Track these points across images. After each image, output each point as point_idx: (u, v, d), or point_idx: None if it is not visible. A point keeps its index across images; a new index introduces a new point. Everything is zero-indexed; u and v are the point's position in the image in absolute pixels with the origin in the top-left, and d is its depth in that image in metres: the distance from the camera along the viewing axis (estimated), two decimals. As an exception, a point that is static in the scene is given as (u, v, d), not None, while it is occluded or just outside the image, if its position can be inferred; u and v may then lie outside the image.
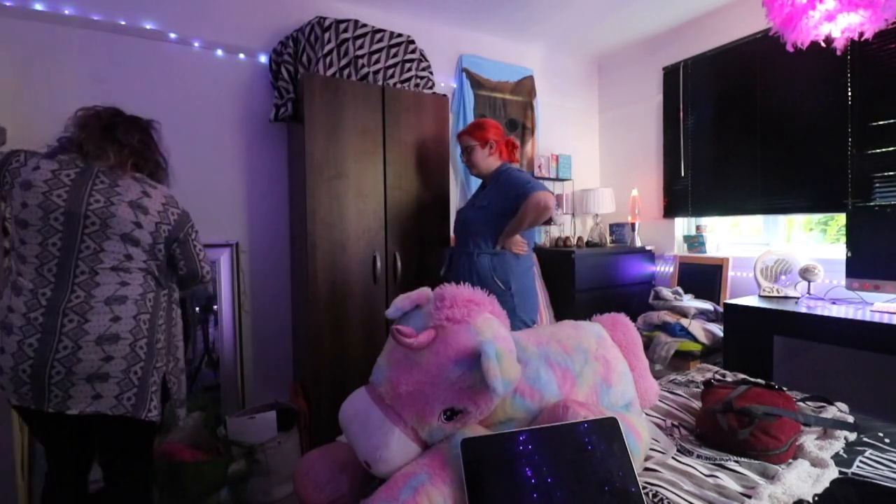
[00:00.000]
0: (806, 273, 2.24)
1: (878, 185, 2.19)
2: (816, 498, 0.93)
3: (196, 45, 2.24)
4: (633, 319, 1.42)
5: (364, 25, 2.34)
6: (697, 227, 3.05)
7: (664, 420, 1.34)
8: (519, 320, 1.89)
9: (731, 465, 1.07)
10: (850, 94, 2.26)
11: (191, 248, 1.39)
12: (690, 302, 2.62)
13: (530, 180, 1.87)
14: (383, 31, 2.40)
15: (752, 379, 1.41)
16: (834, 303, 2.11)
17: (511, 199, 1.87)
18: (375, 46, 2.36)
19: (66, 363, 1.15)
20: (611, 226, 3.25)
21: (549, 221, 3.05)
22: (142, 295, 1.26)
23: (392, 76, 2.41)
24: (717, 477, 1.00)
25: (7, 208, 1.22)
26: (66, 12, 1.98)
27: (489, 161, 2.03)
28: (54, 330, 1.15)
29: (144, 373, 1.24)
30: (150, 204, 1.29)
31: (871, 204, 2.20)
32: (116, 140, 1.29)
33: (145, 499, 1.36)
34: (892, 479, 1.01)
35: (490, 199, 1.96)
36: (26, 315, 1.15)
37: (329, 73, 2.21)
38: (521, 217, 1.84)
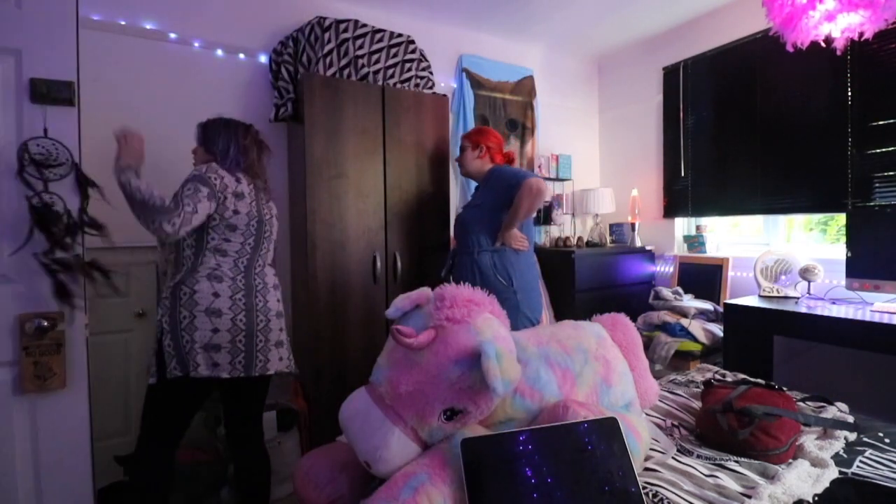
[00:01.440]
0: (806, 273, 2.24)
1: (878, 185, 2.19)
2: (816, 498, 0.93)
3: (196, 45, 2.24)
4: (633, 319, 1.42)
5: (364, 25, 2.34)
6: (697, 227, 3.05)
7: (664, 420, 1.34)
8: (523, 317, 1.90)
9: (731, 465, 1.07)
10: (850, 94, 2.26)
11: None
12: (690, 302, 2.62)
13: (520, 171, 1.93)
14: (383, 31, 2.40)
15: (752, 379, 1.41)
16: (834, 303, 2.11)
17: (504, 191, 1.90)
18: (375, 46, 2.36)
19: (264, 333, 1.46)
20: (611, 226, 3.25)
21: (549, 220, 3.06)
22: (277, 284, 1.60)
23: (392, 76, 2.41)
24: (717, 477, 1.00)
25: (215, 214, 1.44)
26: (66, 12, 1.97)
27: (477, 163, 2.09)
28: (252, 308, 1.45)
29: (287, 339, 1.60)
30: (274, 212, 1.64)
31: (871, 204, 2.20)
32: (262, 163, 1.61)
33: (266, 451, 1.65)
34: (892, 479, 1.01)
35: (484, 198, 1.99)
36: (232, 297, 1.41)
37: (329, 73, 2.21)
38: (517, 206, 1.85)
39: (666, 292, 2.71)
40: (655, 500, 0.92)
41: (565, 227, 3.32)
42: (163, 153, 2.15)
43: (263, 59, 2.39)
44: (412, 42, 2.50)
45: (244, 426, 1.55)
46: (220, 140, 1.56)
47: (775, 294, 2.32)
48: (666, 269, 3.15)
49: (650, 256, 3.10)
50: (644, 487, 0.93)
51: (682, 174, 3.04)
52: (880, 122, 2.17)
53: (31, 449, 1.22)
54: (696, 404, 1.44)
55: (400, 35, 2.45)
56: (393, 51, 2.41)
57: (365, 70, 2.31)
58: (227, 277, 1.43)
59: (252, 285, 1.48)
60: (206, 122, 1.60)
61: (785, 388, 1.36)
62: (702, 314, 2.56)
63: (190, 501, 1.71)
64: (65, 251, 1.18)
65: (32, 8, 1.18)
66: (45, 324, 1.18)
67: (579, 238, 3.12)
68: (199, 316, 1.36)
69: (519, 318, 1.87)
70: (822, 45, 1.63)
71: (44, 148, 1.17)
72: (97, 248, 1.29)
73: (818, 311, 1.96)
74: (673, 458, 1.10)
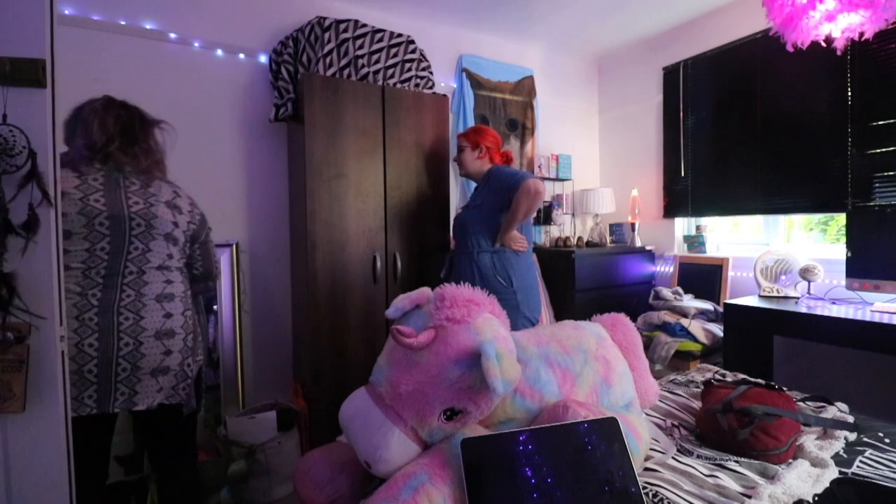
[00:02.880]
0: (806, 273, 2.24)
1: (878, 185, 2.19)
2: (816, 498, 0.93)
3: (196, 45, 2.24)
4: (633, 319, 1.42)
5: (364, 25, 2.34)
6: (697, 227, 3.05)
7: (664, 420, 1.34)
8: (523, 317, 1.90)
9: (731, 465, 1.07)
10: (850, 94, 2.26)
11: (209, 249, 1.44)
12: (690, 302, 2.62)
13: (518, 172, 1.92)
14: (383, 31, 2.40)
15: (752, 379, 1.41)
16: (834, 303, 2.11)
17: (503, 192, 1.90)
18: (375, 46, 2.36)
19: (131, 359, 1.18)
20: (611, 226, 3.25)
21: (549, 220, 3.06)
22: (184, 292, 1.31)
23: (392, 76, 2.41)
24: (717, 477, 1.00)
25: None
26: (67, 12, 1.98)
27: (476, 164, 2.09)
28: (111, 328, 1.16)
29: (193, 365, 1.31)
30: (182, 204, 1.34)
31: (871, 204, 2.20)
32: (139, 143, 1.29)
33: (197, 483, 1.44)
34: (892, 479, 1.01)
35: (483, 198, 2.00)
36: (79, 317, 1.15)
37: (329, 73, 2.21)
38: (516, 207, 1.85)
39: (666, 292, 2.71)
40: (655, 500, 0.92)
41: (565, 227, 3.32)
42: (163, 153, 2.15)
43: (263, 59, 2.39)
44: (412, 42, 2.50)
45: (163, 461, 1.37)
46: (66, 131, 1.28)
47: (775, 294, 2.32)
48: (666, 269, 3.15)
49: (650, 256, 3.10)
50: (644, 487, 0.93)
51: (682, 174, 3.04)
52: (880, 122, 2.17)
53: (3, 472, 1.07)
54: (696, 404, 1.44)
55: (400, 35, 2.45)
56: (393, 51, 2.41)
57: (365, 70, 2.31)
58: (72, 293, 1.15)
59: (112, 300, 1.18)
60: None
61: (785, 388, 1.36)
62: (702, 314, 2.56)
63: (190, 501, 1.71)
64: None
65: (-2, -21, 1.05)
66: (11, 336, 1.04)
67: (579, 238, 3.12)
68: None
69: (519, 319, 1.87)
70: (823, 45, 1.63)
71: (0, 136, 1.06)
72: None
73: (818, 311, 1.96)
74: (673, 458, 1.10)
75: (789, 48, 1.67)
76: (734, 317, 2.24)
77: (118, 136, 1.25)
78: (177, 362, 1.25)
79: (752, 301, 2.26)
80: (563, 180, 3.27)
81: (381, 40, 2.38)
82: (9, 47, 1.07)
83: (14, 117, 1.07)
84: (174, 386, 1.26)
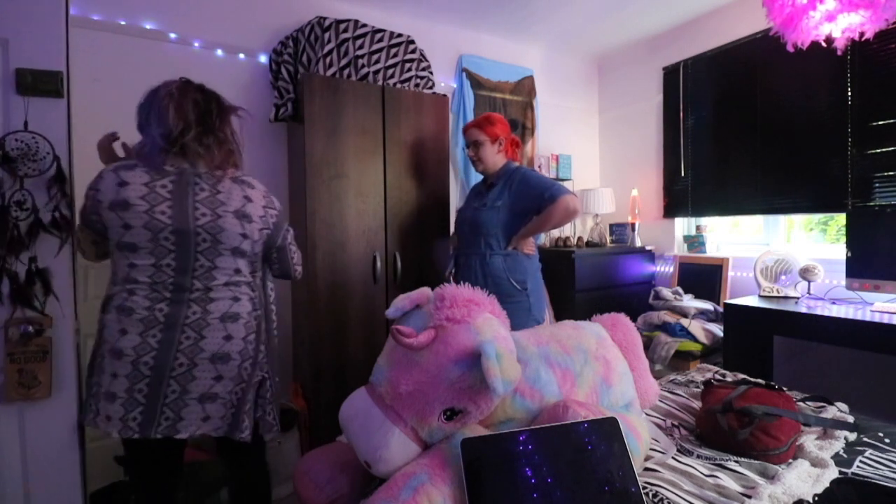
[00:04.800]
0: (806, 273, 2.24)
1: (878, 185, 2.19)
2: (816, 498, 0.93)
3: (196, 45, 2.24)
4: (633, 319, 1.42)
5: (364, 25, 2.34)
6: (697, 227, 3.05)
7: (664, 420, 1.34)
8: (533, 320, 1.88)
9: (731, 465, 1.07)
10: (850, 94, 2.26)
11: (287, 254, 1.34)
12: (690, 302, 2.62)
13: (554, 182, 1.84)
14: (383, 31, 2.40)
15: (752, 379, 1.41)
16: (834, 303, 2.11)
17: (532, 199, 1.83)
18: (375, 46, 2.36)
19: (182, 381, 1.11)
20: (611, 226, 3.25)
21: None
22: (250, 312, 1.22)
23: (392, 76, 2.41)
24: (717, 477, 1.00)
25: (100, 239, 1.15)
26: (66, 12, 1.97)
27: (497, 158, 1.99)
28: (171, 346, 1.10)
29: (243, 393, 1.20)
30: (253, 210, 1.21)
31: (871, 204, 2.20)
32: (214, 132, 1.16)
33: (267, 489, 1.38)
34: (892, 479, 1.01)
35: (504, 199, 1.89)
36: (142, 334, 1.09)
37: (329, 73, 2.21)
38: (546, 219, 1.80)
39: (666, 292, 2.71)
40: (655, 500, 0.92)
41: (565, 227, 3.32)
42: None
43: (263, 59, 2.38)
44: (412, 42, 2.50)
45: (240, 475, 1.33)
46: (139, 116, 1.17)
47: (775, 294, 2.32)
48: (666, 269, 3.15)
49: (650, 256, 3.10)
50: (644, 487, 0.93)
51: (682, 174, 3.04)
52: (880, 122, 2.17)
53: (20, 458, 1.19)
54: (696, 404, 1.44)
55: (400, 35, 2.45)
56: (393, 51, 2.41)
57: (365, 70, 2.31)
58: (140, 309, 1.10)
59: (179, 317, 1.11)
60: None
61: (785, 388, 1.36)
62: (702, 314, 2.56)
63: (190, 501, 1.71)
64: (16, 255, 1.13)
65: (20, -4, 1.14)
66: (31, 329, 1.14)
67: (579, 238, 3.12)
68: (106, 357, 1.10)
69: (529, 322, 1.85)
70: (823, 45, 1.63)
71: (22, 142, 1.13)
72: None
73: (818, 311, 1.96)
74: (673, 458, 1.10)
75: (789, 48, 1.67)
76: (734, 317, 2.24)
77: (195, 125, 1.14)
78: (226, 390, 1.17)
79: (752, 301, 2.26)
80: (563, 180, 3.26)
81: (381, 40, 2.38)
82: (29, 60, 1.16)
83: (35, 125, 1.15)
84: (222, 416, 1.17)
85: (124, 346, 1.09)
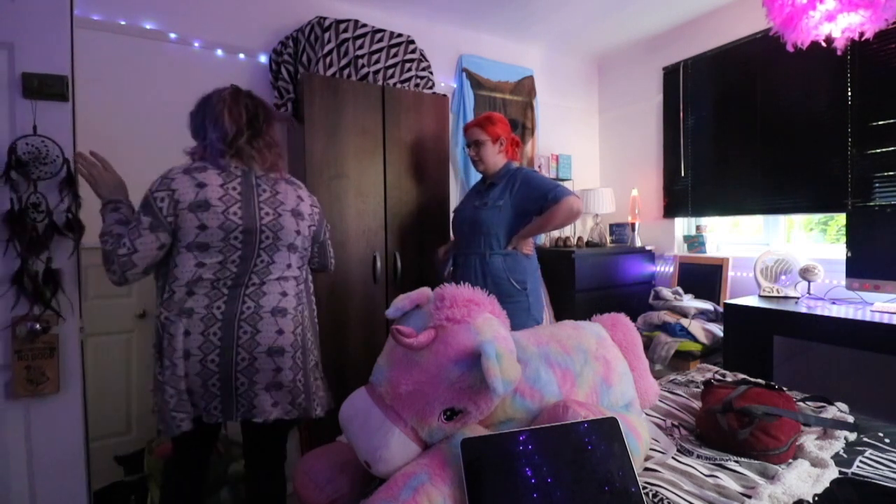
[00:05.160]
0: (806, 273, 2.24)
1: (878, 185, 2.19)
2: (816, 498, 0.93)
3: (196, 45, 2.24)
4: (633, 319, 1.42)
5: (364, 25, 2.34)
6: (697, 227, 3.05)
7: (664, 420, 1.34)
8: (533, 320, 1.89)
9: (731, 465, 1.07)
10: (850, 94, 2.26)
11: (326, 248, 1.46)
12: (690, 302, 2.62)
13: (557, 183, 1.85)
14: (383, 31, 2.40)
15: (752, 379, 1.41)
16: (834, 303, 2.11)
17: (535, 200, 1.84)
18: (375, 46, 2.36)
19: (248, 374, 1.18)
20: (611, 226, 3.25)
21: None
22: (296, 307, 1.28)
23: (392, 76, 2.41)
24: (717, 477, 1.00)
25: (172, 241, 1.16)
26: (66, 12, 1.98)
27: (497, 158, 1.99)
28: (231, 344, 1.16)
29: (306, 379, 1.29)
30: (304, 208, 1.30)
31: (871, 204, 2.20)
32: (262, 136, 1.23)
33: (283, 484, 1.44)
34: (892, 479, 1.01)
35: (506, 199, 1.89)
36: (204, 333, 1.15)
37: (329, 73, 2.21)
38: (548, 220, 1.80)
39: (666, 292, 2.71)
40: (655, 500, 0.92)
41: (565, 227, 3.32)
42: (163, 155, 2.15)
43: (263, 59, 2.39)
44: (412, 42, 2.50)
45: (262, 467, 1.38)
46: (193, 122, 1.25)
47: (775, 294, 2.32)
48: (666, 269, 3.15)
49: (650, 256, 3.10)
50: (644, 487, 0.93)
51: (682, 174, 3.04)
52: (880, 122, 2.17)
53: (26, 453, 1.21)
54: (696, 404, 1.44)
55: (400, 35, 2.45)
56: (393, 51, 2.41)
57: (365, 70, 2.31)
58: (199, 308, 1.15)
59: (234, 312, 1.16)
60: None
61: (785, 388, 1.36)
62: (702, 314, 2.56)
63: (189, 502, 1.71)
64: (36, 256, 1.17)
65: (25, 1, 1.17)
66: (38, 327, 1.17)
67: (579, 238, 3.12)
68: (178, 364, 1.14)
69: (529, 322, 1.86)
70: (823, 45, 1.63)
71: (33, 146, 1.15)
72: (95, 248, 1.26)
73: (818, 311, 1.96)
74: (673, 458, 1.10)
75: (789, 48, 1.67)
76: (734, 317, 2.24)
77: (246, 128, 1.21)
78: (288, 379, 1.23)
79: (752, 301, 2.26)
80: (563, 180, 3.26)
81: (381, 40, 2.38)
82: (34, 64, 1.18)
83: (42, 129, 1.18)
84: (291, 401, 1.24)
85: (191, 347, 1.14)
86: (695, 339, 2.43)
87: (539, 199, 1.83)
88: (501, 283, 1.87)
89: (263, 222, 1.20)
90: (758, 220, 2.85)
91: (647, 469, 1.05)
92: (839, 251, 2.27)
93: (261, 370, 1.18)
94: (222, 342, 1.15)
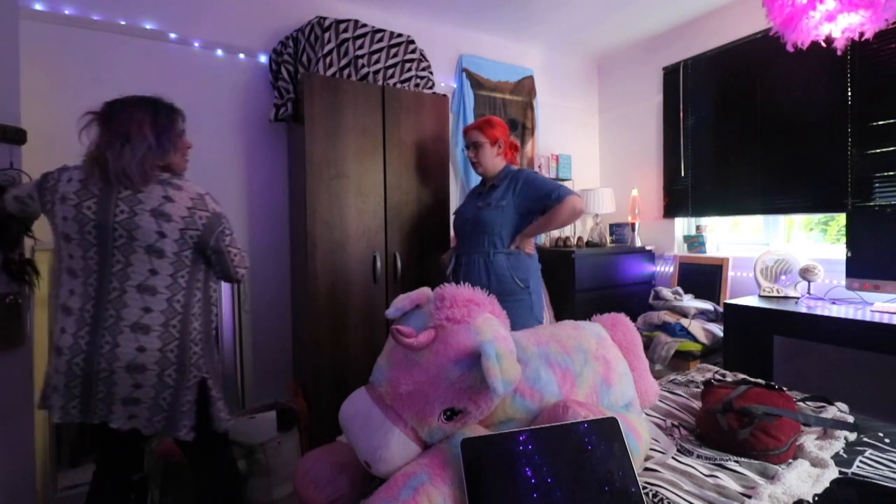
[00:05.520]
0: (806, 273, 2.24)
1: (878, 185, 2.19)
2: (816, 498, 0.93)
3: (196, 45, 2.24)
4: (633, 319, 1.42)
5: (364, 25, 2.34)
6: (697, 227, 3.05)
7: (664, 420, 1.34)
8: (535, 319, 1.91)
9: (731, 465, 1.07)
10: (850, 94, 2.26)
11: (225, 256, 1.33)
12: (690, 302, 2.62)
13: (559, 184, 1.90)
14: (383, 31, 2.40)
15: (752, 379, 1.41)
16: (834, 303, 2.11)
17: (538, 200, 1.87)
18: (375, 46, 2.36)
19: (106, 384, 1.17)
20: (611, 226, 3.25)
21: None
22: (164, 324, 1.21)
23: (392, 76, 2.41)
24: (717, 477, 1.00)
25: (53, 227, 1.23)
26: (67, 12, 1.98)
27: (495, 161, 2.02)
28: (95, 350, 1.16)
29: (176, 398, 1.23)
30: (174, 210, 1.21)
31: (871, 204, 2.20)
32: (129, 141, 1.19)
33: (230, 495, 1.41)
34: (892, 479, 1.01)
35: (508, 199, 1.92)
36: (75, 335, 1.17)
37: (329, 73, 2.21)
38: (551, 219, 1.84)
39: (666, 292, 2.71)
40: (655, 500, 0.92)
41: (565, 227, 3.32)
42: (163, 153, 2.15)
43: (263, 59, 2.39)
44: (412, 42, 2.50)
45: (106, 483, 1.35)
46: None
47: (775, 294, 2.32)
48: (666, 269, 3.15)
49: (650, 256, 3.10)
50: (644, 487, 0.93)
51: (682, 174, 3.04)
52: (880, 122, 2.17)
53: None
54: (696, 404, 1.44)
55: (400, 35, 2.45)
56: (393, 51, 2.41)
57: (365, 70, 2.31)
58: (74, 309, 1.18)
59: (100, 320, 1.17)
60: None
61: (785, 388, 1.36)
62: (702, 314, 2.56)
63: (190, 501, 1.71)
64: (13, 250, 1.50)
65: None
66: (11, 299, 1.50)
67: (579, 238, 3.12)
68: (52, 352, 1.20)
69: (531, 320, 1.89)
70: (823, 45, 1.63)
71: (9, 176, 1.51)
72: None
73: (818, 311, 1.96)
74: (673, 458, 1.10)
75: (789, 48, 1.67)
76: (734, 317, 2.24)
77: (112, 130, 1.21)
78: (149, 396, 1.20)
79: (752, 301, 2.26)
80: (563, 180, 3.26)
81: (381, 40, 2.38)
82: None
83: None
84: (149, 418, 1.22)
85: (62, 345, 1.17)
86: (695, 339, 2.43)
87: (543, 198, 1.86)
88: (505, 281, 1.89)
89: (117, 219, 1.17)
90: (758, 220, 2.85)
91: (647, 469, 1.05)
92: (839, 251, 2.27)
93: (118, 384, 1.17)
94: (88, 347, 1.16)
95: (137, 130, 1.20)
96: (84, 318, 1.17)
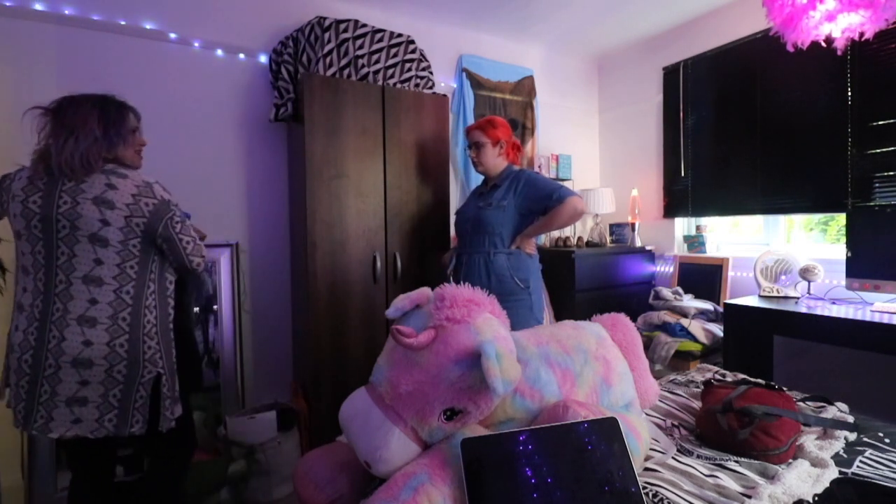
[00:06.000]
0: (806, 273, 2.24)
1: (878, 185, 2.19)
2: (816, 498, 0.93)
3: (196, 45, 2.24)
4: (633, 319, 1.42)
5: (364, 25, 2.34)
6: (697, 227, 3.05)
7: (664, 420, 1.34)
8: (535, 319, 1.91)
9: (731, 465, 1.07)
10: (850, 94, 2.26)
11: (176, 244, 1.28)
12: (690, 302, 2.62)
13: (560, 184, 1.90)
14: (383, 31, 2.40)
15: (752, 379, 1.41)
16: (834, 303, 2.11)
17: (540, 200, 1.88)
18: (375, 46, 2.36)
19: (51, 382, 1.15)
20: (611, 226, 3.25)
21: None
22: (112, 317, 1.19)
23: (392, 76, 2.41)
24: (717, 477, 1.00)
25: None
26: (67, 12, 1.98)
27: (497, 161, 2.02)
28: (42, 345, 1.15)
29: (127, 394, 1.20)
30: (117, 197, 1.19)
31: (871, 204, 2.20)
32: (73, 133, 1.19)
33: (171, 496, 1.39)
34: (892, 479, 1.01)
35: (509, 200, 1.93)
36: (25, 331, 1.17)
37: (329, 73, 2.21)
38: (553, 219, 1.85)
39: (666, 292, 2.71)
40: (655, 500, 0.92)
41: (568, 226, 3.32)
42: (163, 154, 2.15)
43: (263, 59, 2.39)
44: (412, 42, 2.50)
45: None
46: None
47: (775, 294, 2.32)
48: (666, 269, 3.15)
49: (650, 256, 3.10)
50: (644, 487, 0.93)
51: (682, 174, 3.04)
52: (880, 122, 2.17)
53: None
54: (696, 404, 1.44)
55: (400, 35, 2.45)
56: (393, 51, 2.41)
57: (365, 70, 2.31)
58: (26, 305, 1.18)
59: (48, 314, 1.16)
60: None
61: (785, 388, 1.36)
62: (702, 314, 2.56)
63: (190, 501, 1.71)
64: None
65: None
66: None
67: (579, 238, 3.12)
68: (7, 349, 1.20)
69: (531, 321, 1.89)
70: (823, 45, 1.63)
71: None
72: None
73: (818, 311, 1.96)
74: (673, 458, 1.10)
75: (789, 48, 1.67)
76: (734, 317, 2.24)
77: (51, 129, 1.21)
78: (97, 394, 1.17)
79: (752, 301, 2.26)
80: (563, 180, 3.26)
81: (381, 40, 2.38)
82: None
83: None
84: (98, 418, 1.17)
85: (14, 342, 1.18)
86: (695, 339, 2.43)
87: (544, 199, 1.86)
88: (505, 281, 1.89)
89: (60, 210, 1.16)
90: (758, 220, 2.85)
91: (647, 469, 1.05)
92: (839, 251, 2.27)
93: (63, 381, 1.14)
94: (36, 343, 1.15)
95: (83, 124, 1.20)
96: (34, 314, 1.16)
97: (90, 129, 1.20)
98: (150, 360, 1.24)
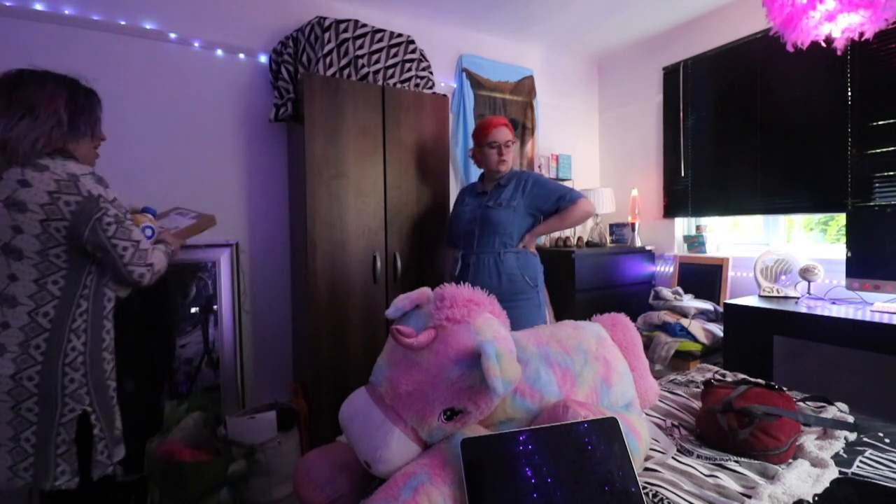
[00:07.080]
0: (806, 273, 2.24)
1: (878, 185, 2.19)
2: (816, 498, 0.93)
3: (196, 45, 2.24)
4: (633, 319, 1.42)
5: (364, 25, 2.34)
6: (697, 227, 3.05)
7: (664, 420, 1.34)
8: (541, 317, 1.95)
9: (731, 465, 1.07)
10: (850, 94, 2.26)
11: (110, 251, 1.04)
12: (690, 302, 2.62)
13: (569, 187, 1.98)
14: (383, 31, 2.40)
15: (752, 379, 1.41)
16: (834, 303, 2.11)
17: (550, 201, 1.94)
18: (375, 46, 2.36)
19: None
20: (611, 226, 3.25)
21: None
22: (22, 344, 0.98)
23: (392, 76, 2.41)
24: (717, 477, 1.00)
25: None
26: (67, 12, 1.98)
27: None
28: None
29: (43, 437, 0.99)
30: (30, 197, 0.97)
31: (871, 204, 2.20)
32: (31, 113, 1.01)
33: None
34: (892, 479, 1.01)
35: (518, 200, 1.95)
36: None
37: (329, 73, 2.21)
38: (564, 220, 1.93)
39: (666, 292, 2.71)
40: (655, 500, 0.92)
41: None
42: (163, 154, 2.15)
43: (263, 59, 2.38)
44: (412, 42, 2.50)
45: None
46: None
47: (775, 294, 2.32)
48: (666, 269, 3.15)
49: (650, 256, 3.10)
50: (644, 487, 0.93)
51: (682, 174, 3.03)
52: (880, 122, 2.17)
53: None
54: (696, 404, 1.44)
55: (400, 35, 2.45)
56: (393, 51, 2.41)
57: (365, 70, 2.31)
58: None
59: None
60: None
61: (785, 388, 1.36)
62: (702, 314, 2.56)
63: (190, 501, 1.71)
64: None
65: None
66: None
67: (579, 238, 3.12)
68: None
69: (539, 318, 1.93)
70: (823, 45, 1.63)
71: None
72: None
73: (818, 311, 1.96)
74: (673, 458, 1.10)
75: (789, 48, 1.67)
76: (734, 317, 2.24)
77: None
78: (6, 436, 0.97)
79: (752, 301, 2.26)
80: (563, 180, 3.26)
81: (381, 40, 2.38)
82: None
83: None
84: (11, 466, 0.98)
85: None
86: (695, 339, 2.43)
87: (556, 200, 1.93)
88: (516, 280, 1.91)
89: None
90: (758, 220, 2.85)
91: (647, 469, 1.05)
92: (839, 251, 2.27)
93: None
94: None
95: (48, 105, 1.01)
96: None
97: (53, 111, 1.01)
98: (73, 395, 1.02)
